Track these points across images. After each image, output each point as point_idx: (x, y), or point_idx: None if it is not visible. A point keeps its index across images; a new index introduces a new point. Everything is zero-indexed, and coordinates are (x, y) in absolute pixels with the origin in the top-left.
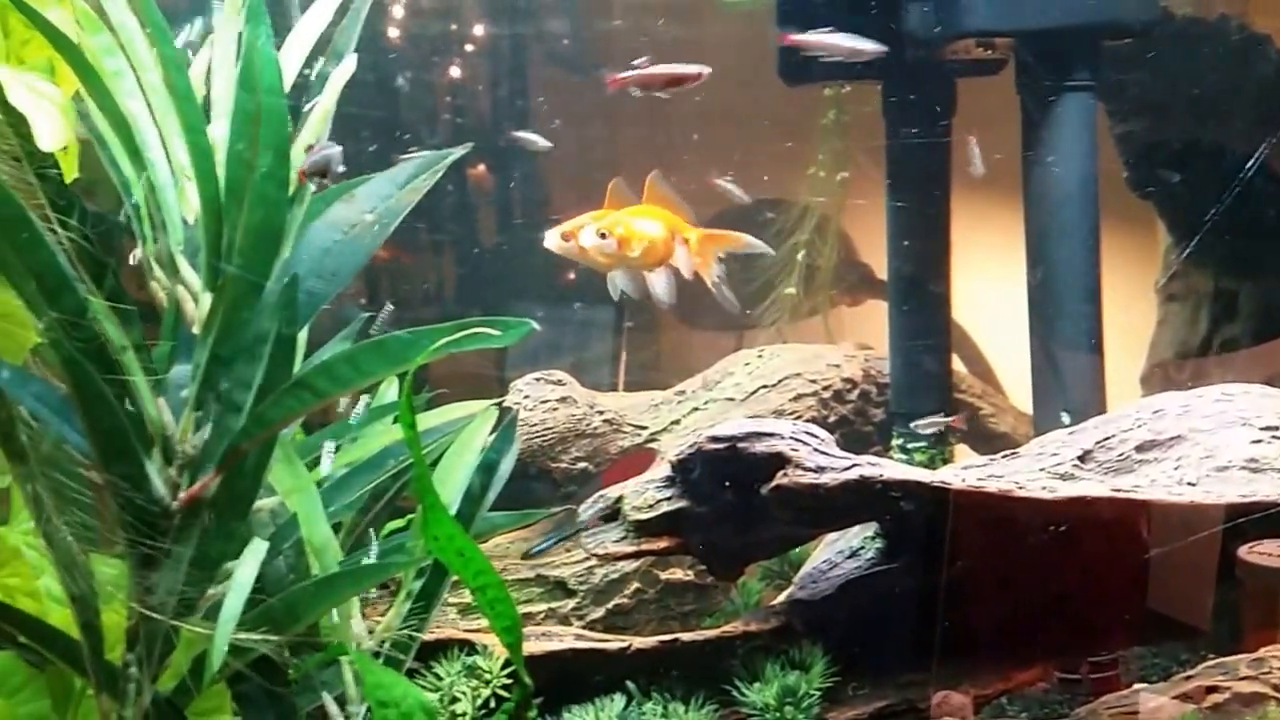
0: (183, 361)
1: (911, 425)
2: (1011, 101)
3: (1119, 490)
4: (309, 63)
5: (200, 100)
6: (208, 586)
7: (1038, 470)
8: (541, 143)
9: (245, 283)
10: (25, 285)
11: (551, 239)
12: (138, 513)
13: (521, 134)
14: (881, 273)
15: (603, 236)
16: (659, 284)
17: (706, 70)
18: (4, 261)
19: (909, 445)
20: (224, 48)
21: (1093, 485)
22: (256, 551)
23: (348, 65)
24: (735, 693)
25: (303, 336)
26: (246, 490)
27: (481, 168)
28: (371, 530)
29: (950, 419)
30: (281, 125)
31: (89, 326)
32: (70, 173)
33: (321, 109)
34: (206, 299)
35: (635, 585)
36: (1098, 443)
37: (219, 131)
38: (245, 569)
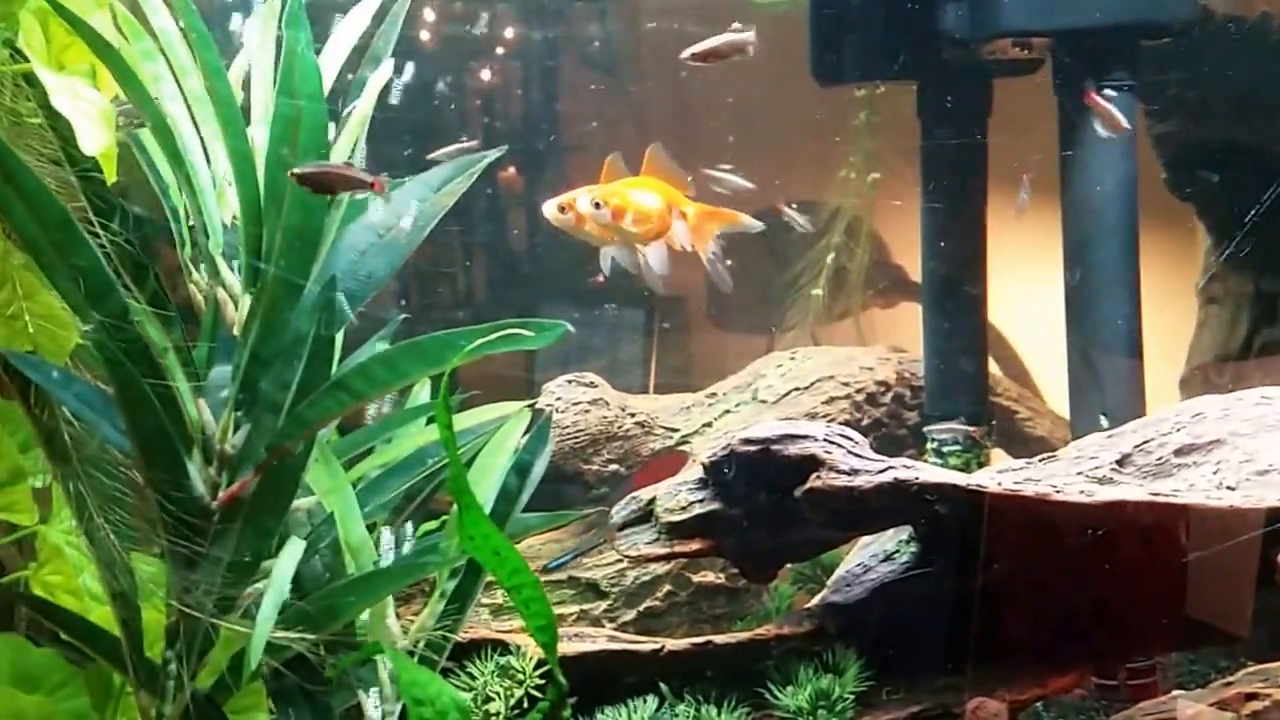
0: (222, 363)
1: (925, 430)
2: (1049, 101)
3: (1157, 494)
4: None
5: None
6: (246, 585)
7: (1075, 474)
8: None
9: (284, 284)
10: (69, 287)
11: (549, 209)
12: (178, 512)
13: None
14: (915, 275)
15: (597, 206)
16: (654, 258)
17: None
18: (48, 264)
19: (944, 449)
20: (262, 53)
21: (1131, 489)
22: (294, 550)
23: (385, 70)
24: (768, 696)
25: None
26: (285, 490)
27: (511, 170)
28: (409, 525)
29: (969, 428)
30: (321, 130)
31: (131, 328)
32: (110, 175)
33: (359, 113)
34: (246, 301)
35: (667, 588)
36: (1136, 446)
37: (256, 136)
38: (283, 568)
